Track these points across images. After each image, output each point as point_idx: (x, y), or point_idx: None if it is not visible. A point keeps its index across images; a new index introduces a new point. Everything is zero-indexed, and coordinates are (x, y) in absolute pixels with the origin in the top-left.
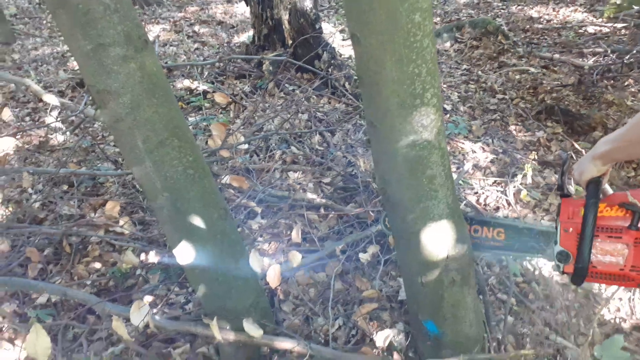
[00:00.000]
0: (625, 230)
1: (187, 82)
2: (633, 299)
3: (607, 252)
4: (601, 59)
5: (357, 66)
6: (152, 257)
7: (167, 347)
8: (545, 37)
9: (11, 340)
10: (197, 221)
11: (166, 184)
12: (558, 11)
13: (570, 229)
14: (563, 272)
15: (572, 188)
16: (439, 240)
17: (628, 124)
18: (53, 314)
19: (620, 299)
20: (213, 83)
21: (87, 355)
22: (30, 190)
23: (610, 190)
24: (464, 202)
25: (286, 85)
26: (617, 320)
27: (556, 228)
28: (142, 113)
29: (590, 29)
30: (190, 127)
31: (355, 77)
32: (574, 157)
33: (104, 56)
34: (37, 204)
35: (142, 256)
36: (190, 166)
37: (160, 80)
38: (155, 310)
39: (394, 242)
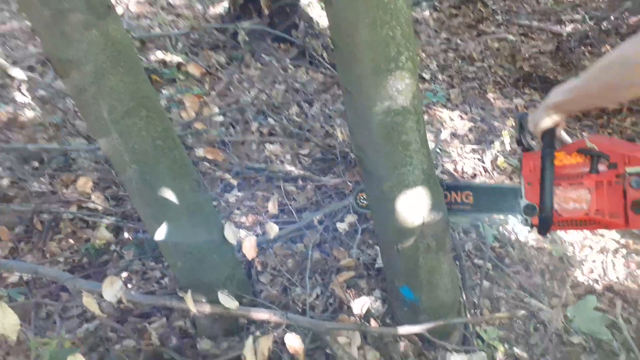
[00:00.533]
0: (586, 175)
1: (160, 55)
2: (605, 262)
3: (571, 199)
4: (579, 26)
5: (330, 30)
6: (105, 231)
7: (143, 322)
8: (525, 4)
9: None
10: (168, 194)
11: (134, 156)
12: None
13: (533, 182)
14: (532, 226)
15: (533, 142)
16: (414, 206)
17: (584, 76)
18: (25, 292)
19: (594, 261)
20: (187, 55)
21: (59, 333)
22: None
23: (569, 139)
24: (441, 169)
25: (262, 55)
26: (590, 282)
27: (520, 183)
28: (106, 82)
29: None
30: (165, 101)
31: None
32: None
33: (63, 23)
34: (6, 182)
35: (120, 232)
36: (159, 137)
37: (126, 48)
38: (130, 286)
39: (370, 210)
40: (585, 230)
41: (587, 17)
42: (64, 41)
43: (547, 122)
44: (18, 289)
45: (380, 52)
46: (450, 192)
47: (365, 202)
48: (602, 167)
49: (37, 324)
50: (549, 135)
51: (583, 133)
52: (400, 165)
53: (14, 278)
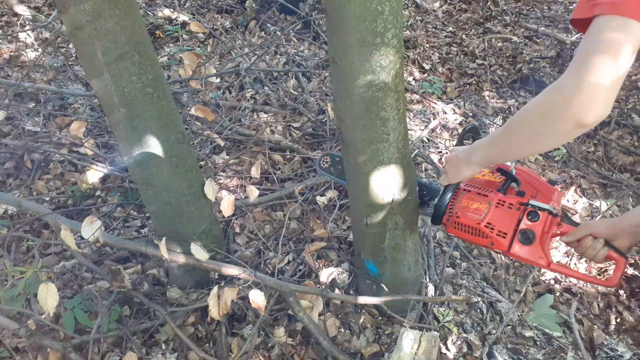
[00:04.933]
0: (494, 191)
1: (167, 12)
2: (569, 264)
3: (472, 208)
4: None
5: None
6: (92, 176)
7: (118, 266)
8: (535, 9)
9: None
10: (153, 141)
11: (124, 100)
12: None
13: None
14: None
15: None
16: (386, 183)
17: (501, 129)
18: (8, 225)
19: (558, 263)
20: (193, 15)
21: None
22: None
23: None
24: (424, 159)
25: (267, 24)
26: (552, 282)
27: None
28: (103, 23)
29: None
30: (166, 57)
31: None
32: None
33: None
34: (0, 118)
35: (106, 179)
36: (150, 85)
37: None
38: (110, 231)
39: (346, 183)
40: None
41: None
42: None
43: (467, 175)
44: (1, 221)
45: (367, 25)
46: None
47: (326, 164)
48: (511, 192)
49: (17, 257)
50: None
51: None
52: (376, 141)
53: None
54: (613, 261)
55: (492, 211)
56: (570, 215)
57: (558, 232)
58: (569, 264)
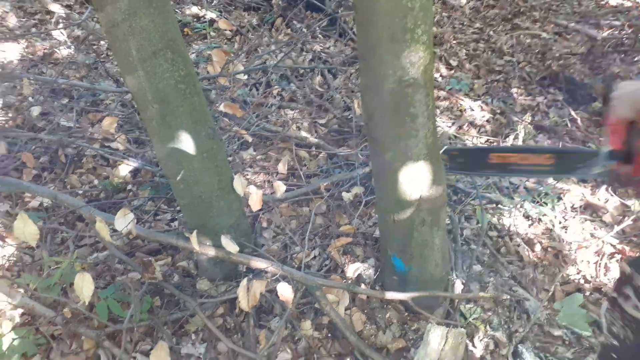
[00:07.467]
0: None
1: (195, 9)
2: (600, 263)
3: None
4: (616, 32)
5: None
6: (124, 170)
7: (150, 258)
8: (565, 4)
9: (2, 238)
10: (185, 137)
11: (157, 96)
12: None
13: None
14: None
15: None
16: (414, 180)
17: None
18: (44, 217)
19: (588, 262)
20: (221, 12)
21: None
22: (30, 99)
23: None
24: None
25: (294, 22)
26: (581, 281)
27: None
28: (138, 20)
29: (613, 2)
30: (194, 55)
31: None
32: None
33: None
34: (36, 113)
35: (137, 174)
36: (182, 81)
37: None
38: (141, 224)
39: (374, 180)
40: (585, 229)
41: (626, 23)
42: None
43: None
44: (37, 213)
45: (397, 22)
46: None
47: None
48: None
49: (52, 248)
50: None
51: None
52: (405, 137)
53: (34, 203)
54: None
55: None
56: (601, 214)
57: None
58: (599, 263)
